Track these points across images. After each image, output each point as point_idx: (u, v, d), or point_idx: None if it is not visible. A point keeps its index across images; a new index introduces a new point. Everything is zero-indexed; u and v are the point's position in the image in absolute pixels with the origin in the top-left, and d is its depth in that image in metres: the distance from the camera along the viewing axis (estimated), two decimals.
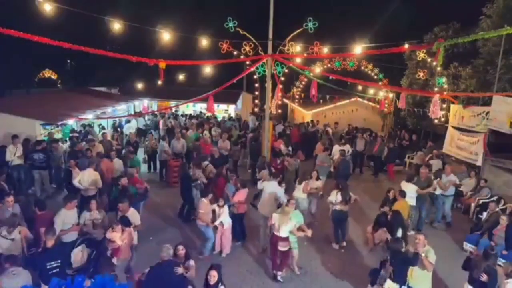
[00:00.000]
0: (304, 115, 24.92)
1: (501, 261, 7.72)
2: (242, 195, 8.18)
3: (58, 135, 13.16)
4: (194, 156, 12.60)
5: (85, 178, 8.76)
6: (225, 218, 7.68)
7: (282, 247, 6.78)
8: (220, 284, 5.06)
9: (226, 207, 7.73)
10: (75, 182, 8.75)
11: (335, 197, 8.14)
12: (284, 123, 20.67)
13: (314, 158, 12.72)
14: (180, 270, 5.30)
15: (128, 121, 17.00)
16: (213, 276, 5.01)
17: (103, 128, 16.18)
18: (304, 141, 15.80)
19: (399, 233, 7.09)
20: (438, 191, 9.63)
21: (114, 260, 6.07)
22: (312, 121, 19.56)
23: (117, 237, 6.12)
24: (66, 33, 20.84)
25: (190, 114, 22.16)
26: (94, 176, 8.87)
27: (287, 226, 6.74)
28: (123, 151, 12.12)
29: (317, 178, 9.25)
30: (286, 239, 6.81)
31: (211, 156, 11.21)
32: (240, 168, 13.35)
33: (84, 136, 13.86)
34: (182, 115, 21.41)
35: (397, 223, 7.27)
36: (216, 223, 7.56)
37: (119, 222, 6.32)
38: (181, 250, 5.66)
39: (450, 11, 20.43)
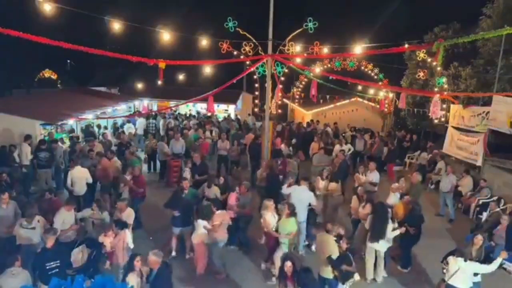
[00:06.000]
0: (304, 115, 24.91)
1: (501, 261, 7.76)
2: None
3: (58, 135, 13.17)
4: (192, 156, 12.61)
5: (76, 175, 8.99)
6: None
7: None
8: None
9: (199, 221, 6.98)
10: (68, 184, 8.96)
11: None
12: (283, 123, 20.67)
13: (311, 158, 12.76)
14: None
15: (128, 121, 17.00)
16: (288, 266, 5.27)
17: (105, 128, 16.21)
18: (303, 141, 15.78)
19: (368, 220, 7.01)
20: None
21: (107, 265, 6.07)
22: (312, 120, 19.56)
23: (108, 242, 6.11)
24: (66, 33, 20.91)
25: (190, 114, 22.15)
26: (84, 173, 9.11)
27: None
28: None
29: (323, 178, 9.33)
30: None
31: (192, 164, 10.36)
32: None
33: (86, 136, 13.91)
34: (185, 115, 21.32)
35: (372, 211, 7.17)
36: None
37: (113, 225, 6.33)
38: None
39: (450, 11, 20.44)
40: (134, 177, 8.96)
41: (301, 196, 7.86)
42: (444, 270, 5.98)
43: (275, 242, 6.95)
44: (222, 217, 6.94)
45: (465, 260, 5.71)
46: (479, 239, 6.15)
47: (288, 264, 5.34)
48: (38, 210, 7.11)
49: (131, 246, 6.48)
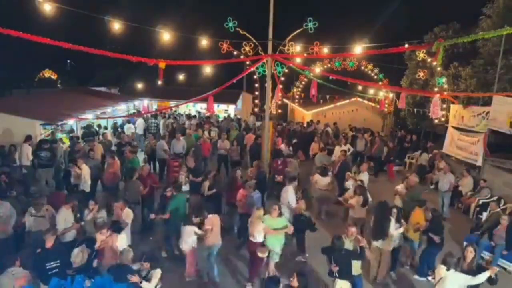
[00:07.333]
0: (304, 115, 24.92)
1: (501, 261, 7.76)
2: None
3: (59, 135, 13.18)
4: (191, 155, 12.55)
5: (84, 173, 9.23)
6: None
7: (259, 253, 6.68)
8: None
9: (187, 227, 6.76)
10: (86, 177, 9.21)
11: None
12: (284, 122, 20.68)
13: (312, 158, 12.74)
14: (134, 279, 5.14)
15: (128, 121, 16.99)
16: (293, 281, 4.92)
17: (106, 128, 16.21)
18: (303, 141, 15.77)
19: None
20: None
21: (94, 263, 6.07)
22: (311, 120, 19.56)
23: (100, 239, 6.09)
24: (66, 33, 20.90)
25: (190, 114, 22.13)
26: (89, 171, 9.37)
27: (259, 230, 6.65)
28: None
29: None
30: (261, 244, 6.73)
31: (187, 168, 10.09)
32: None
33: (86, 136, 13.90)
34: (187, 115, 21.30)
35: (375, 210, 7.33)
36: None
37: (110, 226, 6.31)
38: (145, 266, 5.41)
39: (450, 11, 20.47)
40: (148, 176, 9.13)
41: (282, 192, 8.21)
42: (431, 278, 5.85)
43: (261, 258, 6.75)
44: (211, 221, 6.74)
45: (448, 269, 5.40)
46: (469, 251, 5.87)
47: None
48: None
49: (121, 248, 6.14)
